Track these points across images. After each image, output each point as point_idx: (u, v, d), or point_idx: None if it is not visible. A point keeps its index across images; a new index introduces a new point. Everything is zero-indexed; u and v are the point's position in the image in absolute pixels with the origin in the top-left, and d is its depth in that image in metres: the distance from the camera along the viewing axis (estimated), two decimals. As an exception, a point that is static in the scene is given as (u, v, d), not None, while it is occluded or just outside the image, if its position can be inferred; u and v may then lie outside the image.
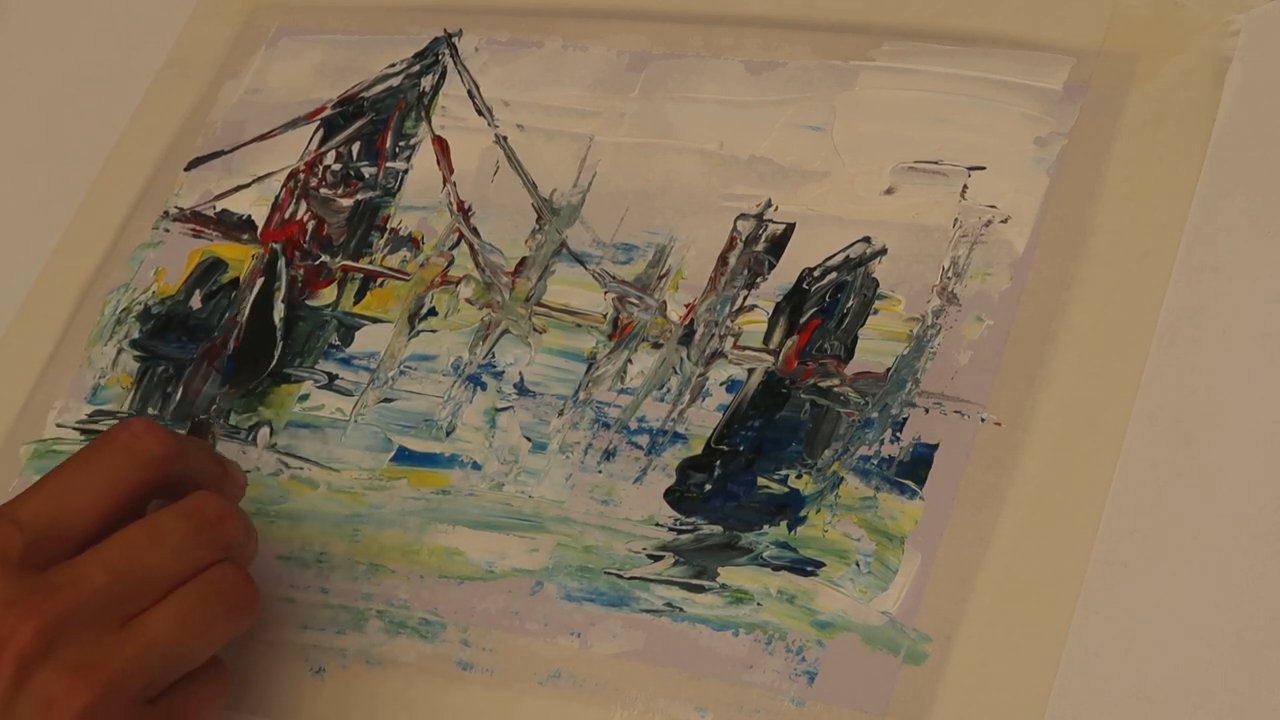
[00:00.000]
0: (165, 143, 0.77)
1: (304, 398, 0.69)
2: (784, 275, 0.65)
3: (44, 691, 0.52)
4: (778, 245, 0.66)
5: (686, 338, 0.65)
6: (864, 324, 0.63)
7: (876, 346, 0.63)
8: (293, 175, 0.74)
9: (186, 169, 0.76)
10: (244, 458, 0.68)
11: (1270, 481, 0.56)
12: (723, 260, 0.66)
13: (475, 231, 0.70)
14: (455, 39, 0.75)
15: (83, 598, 0.53)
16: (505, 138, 0.72)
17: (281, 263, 0.71)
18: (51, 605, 0.53)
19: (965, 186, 0.65)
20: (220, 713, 0.58)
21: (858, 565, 0.59)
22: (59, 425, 0.71)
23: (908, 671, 0.57)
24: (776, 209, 0.67)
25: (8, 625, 0.52)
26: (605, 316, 0.67)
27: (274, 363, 0.69)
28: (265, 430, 0.68)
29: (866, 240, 0.65)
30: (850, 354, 0.63)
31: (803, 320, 0.64)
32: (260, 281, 0.71)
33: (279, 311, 0.70)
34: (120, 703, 0.53)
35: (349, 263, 0.71)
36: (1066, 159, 0.64)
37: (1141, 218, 0.62)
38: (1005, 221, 0.63)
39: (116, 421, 0.59)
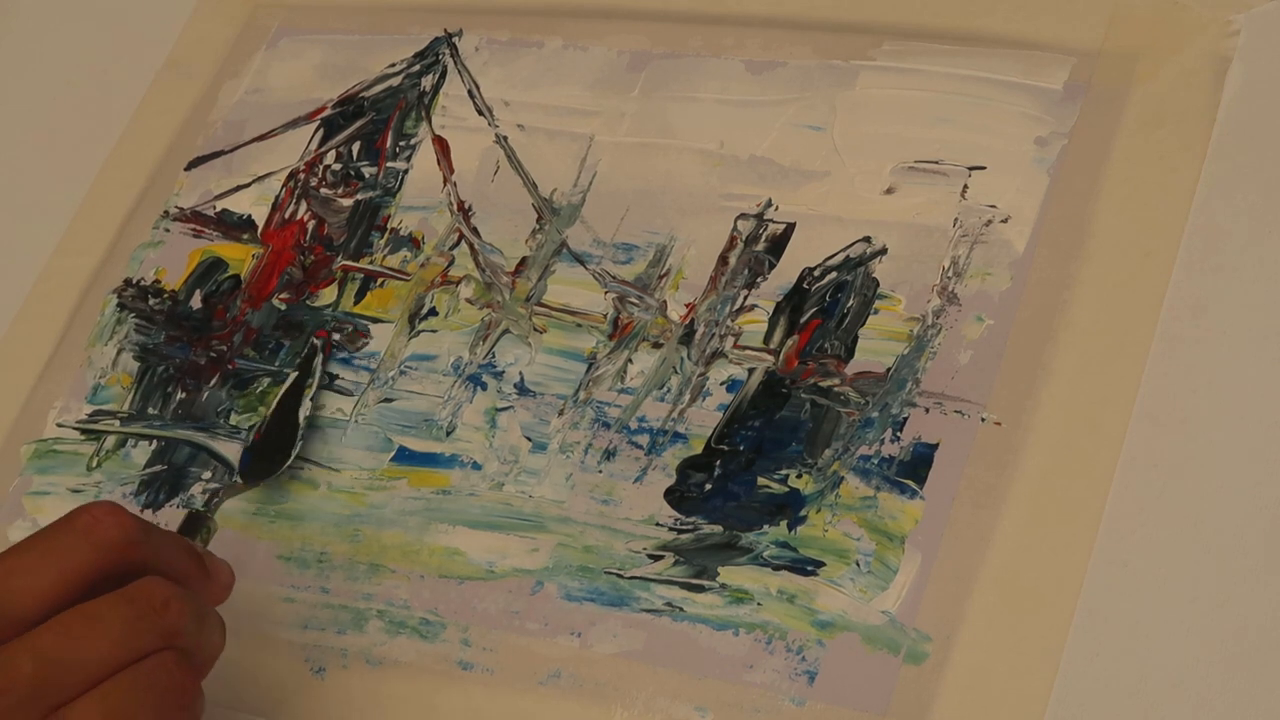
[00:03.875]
0: (165, 143, 0.77)
1: (304, 398, 0.69)
2: (784, 275, 0.65)
3: None
4: (778, 245, 0.66)
5: (687, 337, 0.65)
6: (864, 324, 0.63)
7: (877, 346, 0.63)
8: (293, 175, 0.74)
9: (187, 169, 0.76)
10: (244, 458, 0.68)
11: (1271, 481, 0.56)
12: (723, 260, 0.66)
13: (475, 231, 0.70)
14: (455, 39, 0.75)
15: (6, 687, 0.50)
16: (505, 137, 0.72)
17: (319, 360, 0.69)
18: None
19: (965, 186, 0.65)
20: None
21: (858, 565, 0.59)
22: (59, 425, 0.71)
23: (908, 671, 0.57)
24: (777, 209, 0.67)
25: None
26: (605, 316, 0.67)
27: (289, 461, 0.67)
28: (265, 430, 0.68)
29: (867, 240, 0.65)
30: (850, 354, 0.63)
31: (803, 320, 0.64)
32: (294, 376, 0.69)
33: (305, 409, 0.68)
34: None
35: (349, 263, 0.71)
36: (1067, 159, 0.64)
37: (1141, 218, 0.62)
38: (1005, 221, 0.63)
39: (82, 505, 0.56)
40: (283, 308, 0.71)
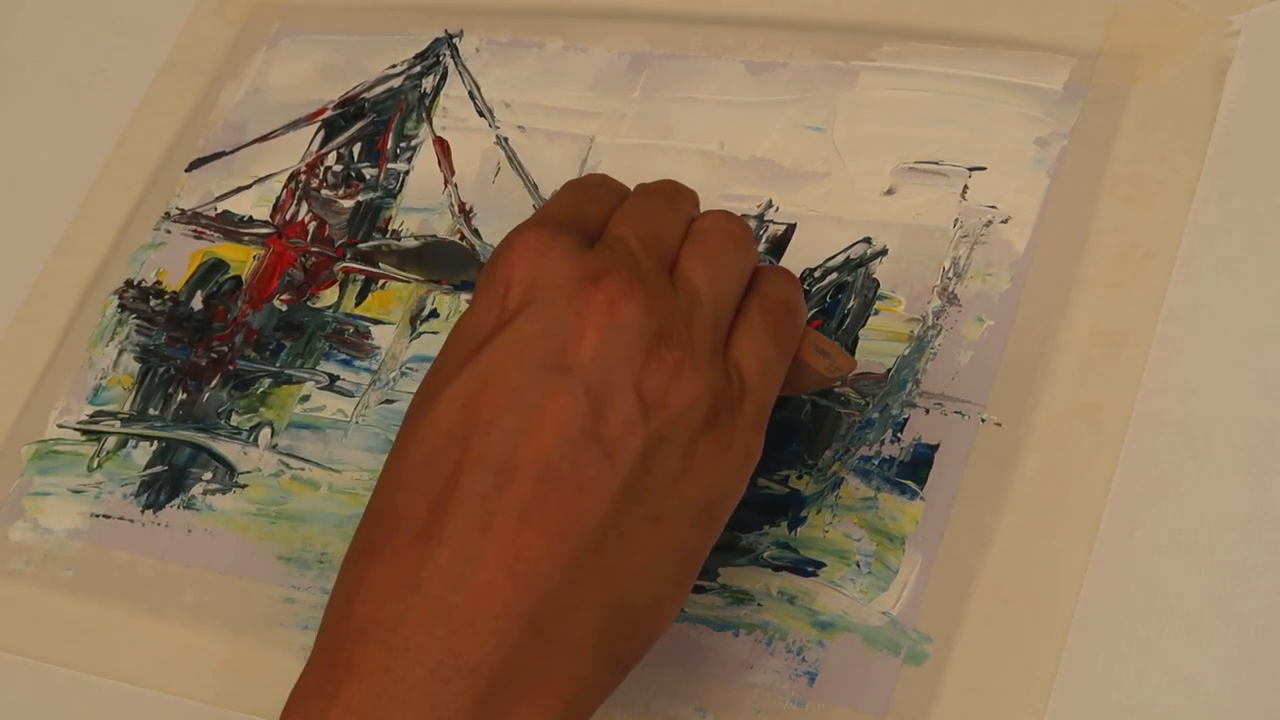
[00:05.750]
0: (166, 143, 0.77)
1: (305, 399, 0.69)
2: (784, 275, 0.65)
3: (666, 363, 0.52)
4: (778, 246, 0.66)
5: (687, 338, 0.65)
6: (864, 324, 0.63)
7: (877, 347, 0.63)
8: (294, 176, 0.74)
9: (188, 170, 0.76)
10: (245, 458, 0.68)
11: (1271, 481, 0.56)
12: (723, 260, 0.66)
13: (477, 233, 0.70)
14: (456, 40, 0.75)
15: (632, 262, 0.53)
16: (506, 139, 0.72)
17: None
18: (616, 272, 0.52)
19: (966, 187, 0.65)
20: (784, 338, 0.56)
21: (858, 565, 0.59)
22: (60, 426, 0.71)
23: (908, 671, 0.57)
24: (777, 209, 0.67)
25: (590, 295, 0.52)
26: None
27: None
28: (266, 431, 0.68)
29: (867, 241, 0.65)
30: (851, 354, 0.63)
31: (803, 320, 0.64)
32: None
33: None
34: (707, 357, 0.52)
35: (350, 264, 0.71)
36: (1067, 159, 0.64)
37: (1141, 218, 0.62)
38: (1005, 222, 0.63)
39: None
40: (284, 309, 0.71)
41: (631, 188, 0.58)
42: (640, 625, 0.52)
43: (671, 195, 0.57)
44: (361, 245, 0.66)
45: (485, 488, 0.49)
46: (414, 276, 0.68)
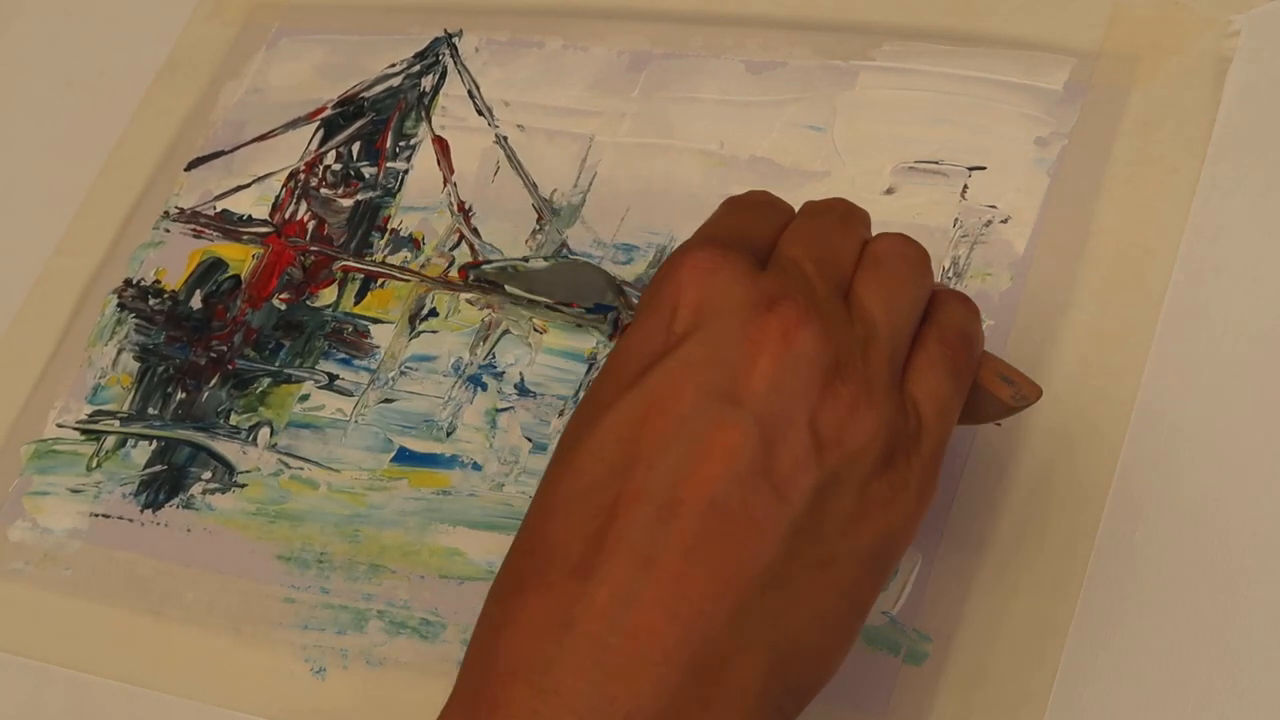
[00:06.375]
0: (166, 143, 0.77)
1: (304, 398, 0.69)
2: (784, 275, 0.65)
3: (842, 398, 0.48)
4: (778, 245, 0.66)
5: (687, 338, 0.65)
6: (864, 324, 0.63)
7: (877, 346, 0.63)
8: (293, 175, 0.74)
9: (187, 169, 0.76)
10: (244, 458, 0.68)
11: (1271, 481, 0.56)
12: (723, 260, 0.66)
13: (476, 232, 0.70)
14: (455, 39, 0.75)
15: (808, 286, 0.50)
16: (505, 138, 0.72)
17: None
18: (791, 298, 0.49)
19: (965, 186, 0.65)
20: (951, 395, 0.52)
21: (858, 565, 0.59)
22: (59, 425, 0.71)
23: (908, 671, 0.57)
24: (777, 209, 0.67)
25: (764, 321, 0.48)
26: (606, 317, 0.66)
27: None
28: (265, 430, 0.68)
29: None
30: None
31: (803, 320, 0.64)
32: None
33: None
34: (884, 392, 0.49)
35: (350, 263, 0.71)
36: (1067, 159, 0.64)
37: (1141, 218, 0.62)
38: (1005, 221, 0.63)
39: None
40: (283, 308, 0.71)
41: (777, 203, 0.55)
42: (804, 675, 0.48)
43: (845, 215, 0.54)
44: (487, 267, 0.65)
45: (648, 522, 0.46)
46: (543, 300, 0.66)
